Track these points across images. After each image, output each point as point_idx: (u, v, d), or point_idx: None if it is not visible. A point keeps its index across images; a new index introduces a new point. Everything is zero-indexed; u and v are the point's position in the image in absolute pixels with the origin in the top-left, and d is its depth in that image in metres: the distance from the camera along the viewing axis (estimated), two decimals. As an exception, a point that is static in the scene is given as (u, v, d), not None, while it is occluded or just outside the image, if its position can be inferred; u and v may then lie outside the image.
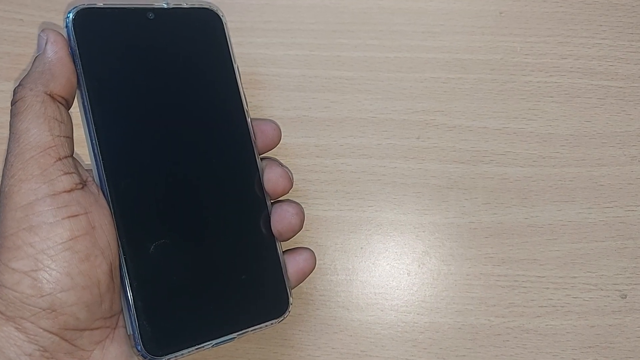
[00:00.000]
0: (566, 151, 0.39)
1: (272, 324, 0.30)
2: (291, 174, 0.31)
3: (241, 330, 0.29)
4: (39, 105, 0.26)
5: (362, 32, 0.40)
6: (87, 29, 0.28)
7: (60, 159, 0.26)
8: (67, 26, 0.27)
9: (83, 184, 0.27)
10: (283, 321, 0.30)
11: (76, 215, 0.26)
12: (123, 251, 0.27)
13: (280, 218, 0.31)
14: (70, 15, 0.27)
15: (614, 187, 0.38)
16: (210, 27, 0.31)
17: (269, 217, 0.31)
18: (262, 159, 0.31)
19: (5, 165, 0.26)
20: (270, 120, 0.32)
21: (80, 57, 0.27)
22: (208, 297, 0.29)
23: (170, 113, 0.29)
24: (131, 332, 0.27)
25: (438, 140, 0.39)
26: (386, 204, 0.38)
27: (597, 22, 0.40)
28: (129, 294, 0.27)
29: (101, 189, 0.28)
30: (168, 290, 0.28)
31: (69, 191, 0.26)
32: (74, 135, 0.28)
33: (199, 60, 0.30)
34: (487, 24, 0.40)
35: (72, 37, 0.27)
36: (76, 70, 0.28)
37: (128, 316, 0.27)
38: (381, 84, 0.39)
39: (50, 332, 0.25)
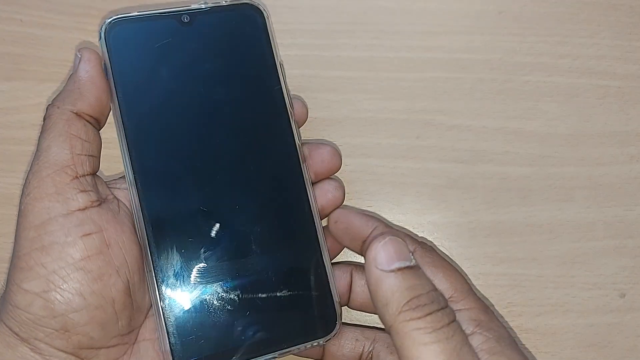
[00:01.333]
0: (565, 151, 0.39)
1: (317, 343, 0.27)
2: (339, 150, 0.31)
3: (282, 349, 0.27)
4: (63, 123, 0.26)
5: (362, 32, 0.40)
6: (120, 40, 0.27)
7: (77, 177, 0.26)
8: (100, 39, 0.27)
9: (101, 201, 0.26)
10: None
11: (89, 234, 0.25)
12: (154, 267, 0.26)
13: (323, 192, 0.31)
14: (104, 28, 0.27)
15: (612, 187, 0.38)
16: (250, 24, 0.28)
17: (317, 227, 0.29)
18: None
19: (24, 183, 0.26)
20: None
21: (112, 70, 0.27)
22: (247, 312, 0.27)
23: (208, 122, 0.27)
24: (163, 350, 0.26)
25: (437, 140, 0.39)
26: (385, 204, 0.38)
27: (596, 22, 0.40)
28: (161, 312, 0.26)
29: (133, 205, 0.27)
30: (203, 306, 0.26)
31: (84, 209, 0.26)
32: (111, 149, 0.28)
33: (237, 64, 0.28)
34: (486, 24, 0.40)
35: (105, 51, 0.27)
36: (109, 84, 0.27)
37: (160, 334, 0.26)
38: (381, 84, 0.39)
39: (65, 352, 0.25)
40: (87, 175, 0.26)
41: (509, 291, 0.37)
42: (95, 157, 0.27)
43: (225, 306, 0.27)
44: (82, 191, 0.26)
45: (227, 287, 0.27)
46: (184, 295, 0.27)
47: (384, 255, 0.24)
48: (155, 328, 0.27)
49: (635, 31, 0.40)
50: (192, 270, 0.27)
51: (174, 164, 0.27)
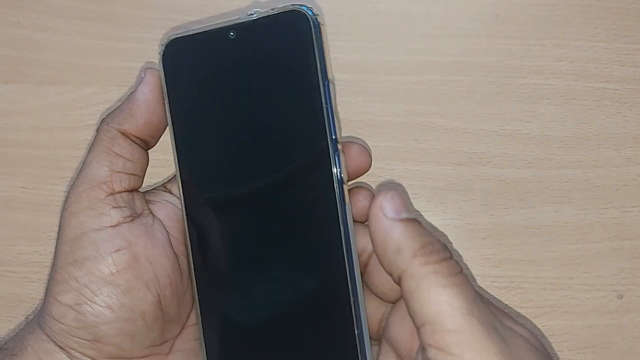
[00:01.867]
0: (563, 153, 0.39)
1: None
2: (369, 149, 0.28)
3: None
4: (108, 140, 0.27)
5: (359, 35, 0.40)
6: (175, 60, 0.27)
7: (112, 194, 0.27)
8: (159, 60, 0.27)
9: (134, 217, 0.27)
10: None
11: (119, 250, 0.26)
12: (198, 290, 0.27)
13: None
14: (162, 48, 0.27)
15: (610, 189, 0.38)
16: (295, 34, 0.25)
17: (356, 287, 0.26)
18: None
19: (66, 196, 0.27)
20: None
21: (167, 89, 0.27)
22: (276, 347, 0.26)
23: (254, 142, 0.26)
24: None
25: (435, 143, 0.39)
26: (384, 206, 0.38)
27: (592, 25, 0.40)
28: (201, 334, 0.27)
29: (184, 224, 0.27)
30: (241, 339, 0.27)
31: (115, 225, 0.26)
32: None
33: (281, 78, 0.26)
34: (483, 27, 0.40)
35: (162, 71, 0.27)
36: (164, 104, 0.27)
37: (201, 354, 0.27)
38: (378, 87, 0.39)
39: None
40: (124, 192, 0.27)
41: (506, 293, 0.37)
42: (137, 176, 0.28)
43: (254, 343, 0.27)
44: (115, 207, 0.26)
45: (256, 324, 0.27)
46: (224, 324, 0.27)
47: (392, 205, 0.25)
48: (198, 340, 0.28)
49: (632, 34, 0.40)
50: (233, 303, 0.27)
51: (220, 183, 0.27)
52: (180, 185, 0.27)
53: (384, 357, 0.27)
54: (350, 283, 0.25)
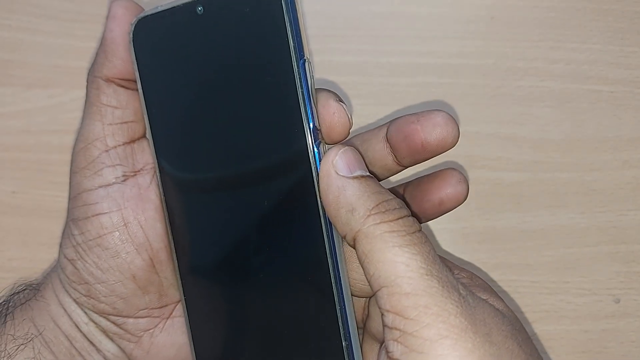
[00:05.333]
0: (558, 156, 0.39)
1: None
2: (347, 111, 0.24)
3: None
4: (94, 93, 0.26)
5: (354, 37, 0.40)
6: (145, 39, 0.26)
7: (107, 150, 0.26)
8: (129, 41, 0.26)
9: (128, 177, 0.26)
10: None
11: (106, 213, 0.26)
12: (184, 294, 0.27)
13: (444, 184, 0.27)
14: (131, 28, 0.26)
15: (606, 192, 0.38)
16: (266, 7, 0.23)
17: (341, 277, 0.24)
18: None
19: None
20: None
21: (139, 70, 0.26)
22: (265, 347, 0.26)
23: (228, 122, 0.25)
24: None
25: (430, 146, 0.39)
26: (379, 210, 0.38)
27: (587, 27, 0.40)
28: (190, 335, 0.27)
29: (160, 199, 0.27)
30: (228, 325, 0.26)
31: (107, 185, 0.26)
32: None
33: (251, 55, 0.24)
34: (478, 29, 0.40)
35: (132, 51, 0.26)
36: (136, 81, 0.26)
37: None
38: (373, 89, 0.39)
39: (95, 313, 0.27)
40: (120, 145, 0.26)
41: (502, 297, 0.37)
42: (132, 122, 0.26)
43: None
44: (109, 166, 0.26)
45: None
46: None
47: (345, 161, 0.23)
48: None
49: (627, 36, 0.40)
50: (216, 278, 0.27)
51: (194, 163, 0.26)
52: (157, 167, 0.26)
53: (366, 345, 0.26)
54: (333, 273, 0.24)
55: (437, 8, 0.40)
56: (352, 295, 0.25)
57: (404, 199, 0.28)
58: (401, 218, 0.22)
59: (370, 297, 0.26)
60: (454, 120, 0.25)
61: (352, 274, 0.25)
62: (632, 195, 0.38)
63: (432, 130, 0.25)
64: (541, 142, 0.39)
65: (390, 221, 0.22)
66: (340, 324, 0.24)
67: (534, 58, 0.40)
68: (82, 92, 0.39)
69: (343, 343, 0.24)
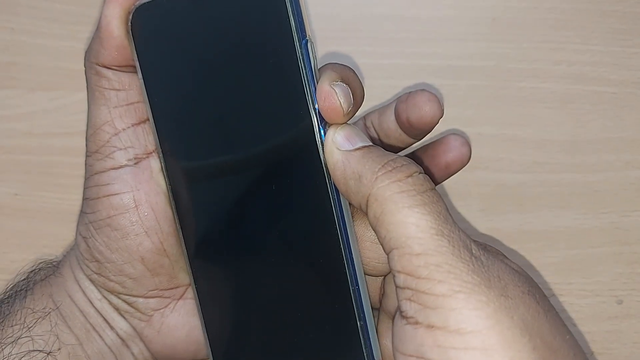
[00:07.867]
0: (561, 157, 0.39)
1: None
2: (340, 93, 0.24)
3: None
4: (93, 78, 0.26)
5: (355, 39, 0.40)
6: (144, 27, 0.25)
7: (117, 134, 0.26)
8: (128, 30, 0.25)
9: (138, 160, 0.26)
10: None
11: (117, 194, 0.26)
12: (195, 282, 0.27)
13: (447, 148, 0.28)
14: (130, 17, 0.25)
15: (608, 193, 0.38)
16: None
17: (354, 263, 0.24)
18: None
19: None
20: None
21: (139, 59, 0.25)
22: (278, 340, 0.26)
23: (232, 107, 0.25)
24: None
25: (432, 147, 0.39)
26: (381, 211, 0.38)
27: (589, 28, 0.40)
28: (203, 325, 0.27)
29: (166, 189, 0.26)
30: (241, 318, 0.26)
31: (117, 168, 0.26)
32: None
33: (254, 37, 0.24)
34: (480, 31, 0.40)
35: (132, 41, 0.25)
36: (136, 70, 0.26)
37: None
38: (375, 91, 0.39)
39: (106, 291, 0.27)
40: (129, 127, 0.26)
41: (505, 299, 0.37)
42: (138, 102, 0.26)
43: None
44: (120, 149, 0.26)
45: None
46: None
47: (344, 136, 0.23)
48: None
49: (629, 37, 0.40)
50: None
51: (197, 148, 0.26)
52: (160, 154, 0.26)
53: (383, 324, 0.26)
54: (345, 253, 0.24)
55: (438, 10, 0.40)
56: (367, 274, 0.25)
57: None
58: (410, 176, 0.22)
59: (385, 276, 0.26)
60: (436, 98, 0.27)
61: (366, 253, 0.25)
62: (635, 196, 0.38)
63: (414, 110, 0.27)
64: (544, 143, 0.39)
65: (399, 180, 0.22)
66: (354, 304, 0.24)
67: (536, 59, 0.40)
68: (85, 95, 0.39)
69: (358, 323, 0.24)
